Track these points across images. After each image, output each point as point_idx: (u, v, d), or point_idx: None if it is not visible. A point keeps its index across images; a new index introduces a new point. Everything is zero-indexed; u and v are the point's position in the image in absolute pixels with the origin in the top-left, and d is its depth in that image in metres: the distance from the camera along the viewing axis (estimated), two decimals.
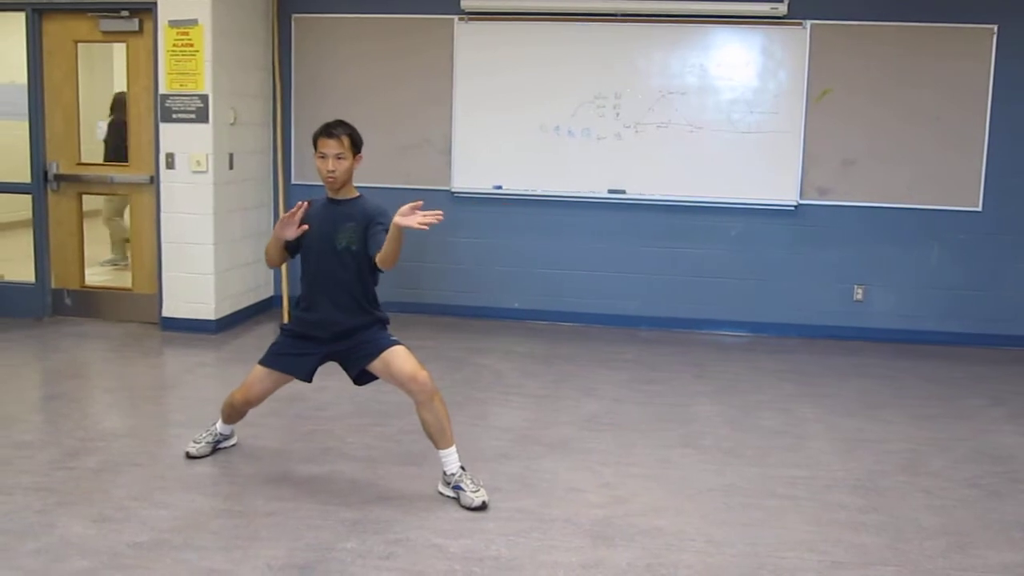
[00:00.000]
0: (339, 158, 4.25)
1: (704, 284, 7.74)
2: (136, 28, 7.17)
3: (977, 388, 6.38)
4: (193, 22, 6.92)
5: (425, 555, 3.71)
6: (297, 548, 3.74)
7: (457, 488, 4.21)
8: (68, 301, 7.60)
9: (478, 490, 4.20)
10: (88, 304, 7.60)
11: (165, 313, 7.29)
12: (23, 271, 7.70)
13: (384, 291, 8.03)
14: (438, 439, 4.27)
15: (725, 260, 7.70)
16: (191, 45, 6.96)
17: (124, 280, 7.77)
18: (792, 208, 7.53)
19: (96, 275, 8.05)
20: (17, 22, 7.36)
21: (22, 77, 7.43)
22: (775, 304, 7.69)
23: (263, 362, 4.51)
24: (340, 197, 4.36)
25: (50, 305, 7.60)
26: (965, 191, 7.36)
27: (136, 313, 7.49)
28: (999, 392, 6.29)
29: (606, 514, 4.17)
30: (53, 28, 7.33)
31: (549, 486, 4.48)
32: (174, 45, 6.99)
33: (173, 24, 6.95)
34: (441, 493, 4.29)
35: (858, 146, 7.43)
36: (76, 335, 7.14)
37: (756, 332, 7.71)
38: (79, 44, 7.40)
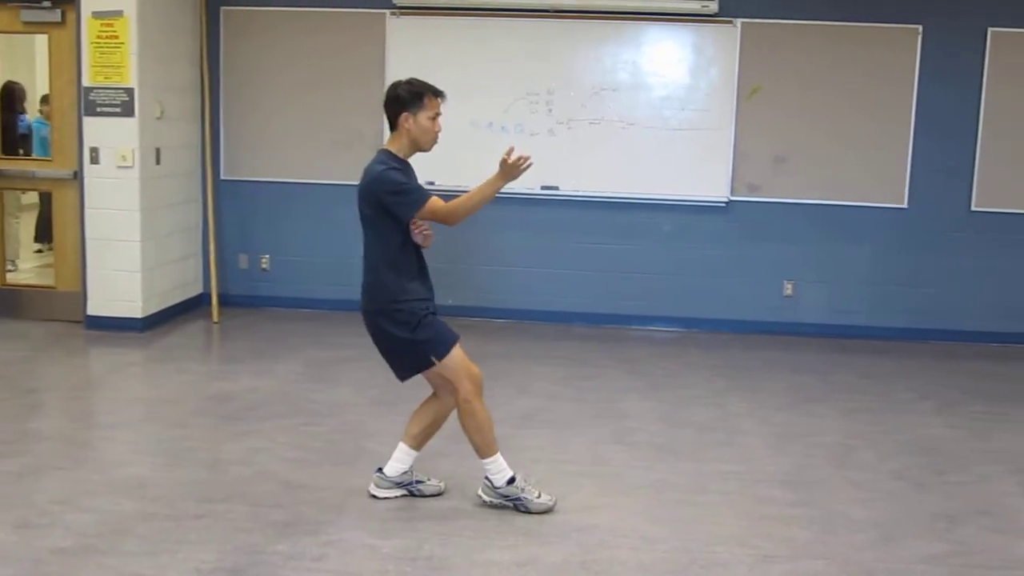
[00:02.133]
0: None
1: (637, 280, 7.78)
2: (59, 19, 7.00)
3: (905, 382, 6.49)
4: (118, 13, 6.78)
5: (358, 556, 3.68)
6: (227, 551, 3.68)
7: (418, 483, 4.29)
8: None
9: (430, 479, 4.33)
10: (9, 303, 7.41)
11: (90, 311, 7.13)
12: None
13: (315, 288, 7.95)
14: (422, 437, 4.30)
15: (657, 256, 7.74)
16: (116, 37, 6.81)
17: (47, 278, 7.59)
18: (723, 204, 7.60)
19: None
20: None
21: None
22: (707, 300, 7.75)
23: (454, 340, 4.13)
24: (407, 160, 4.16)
25: None
26: (892, 188, 7.49)
27: (60, 312, 7.31)
28: (926, 386, 6.40)
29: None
30: None
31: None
32: (98, 37, 6.83)
33: (97, 15, 6.79)
34: (378, 496, 4.24)
35: (788, 143, 7.52)
36: None
37: (688, 328, 7.76)
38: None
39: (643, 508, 4.26)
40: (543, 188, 7.66)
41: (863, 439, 5.28)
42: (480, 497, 4.16)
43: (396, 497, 4.23)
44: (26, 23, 7.06)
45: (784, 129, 7.51)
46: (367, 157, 7.56)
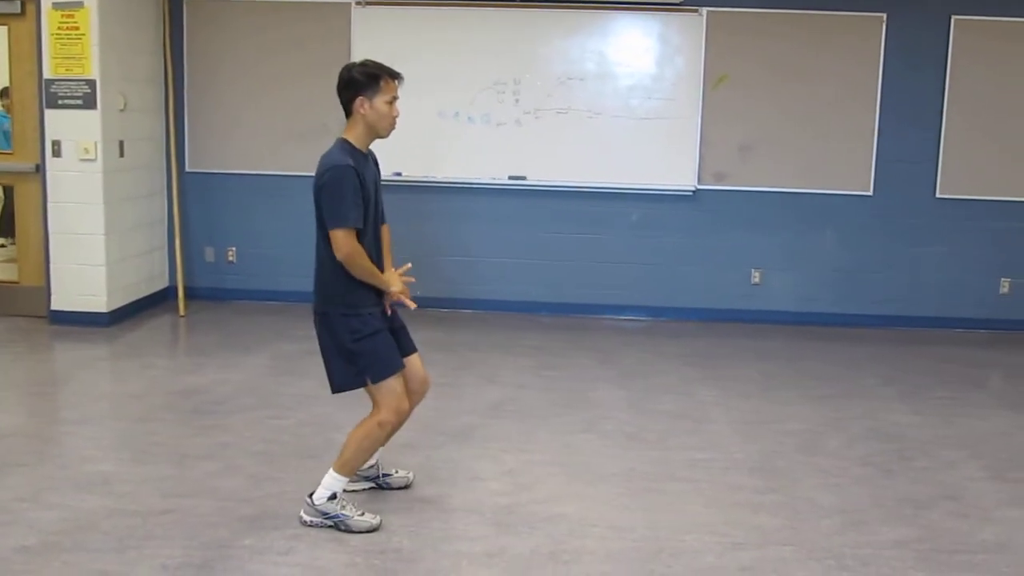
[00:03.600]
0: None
1: (604, 269, 7.78)
2: (18, 10, 6.90)
3: (871, 368, 6.54)
4: (79, 4, 6.69)
5: (326, 549, 3.66)
6: (193, 547, 3.65)
7: (385, 476, 4.26)
8: None
9: (399, 471, 4.32)
10: None
11: (54, 306, 7.05)
12: None
13: (282, 281, 7.90)
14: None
15: (625, 245, 7.75)
16: (77, 28, 6.73)
17: (10, 273, 7.50)
18: (690, 193, 7.61)
19: None
20: None
21: None
22: (675, 288, 7.77)
23: (397, 368, 3.84)
24: (366, 150, 3.93)
25: None
26: (857, 176, 7.53)
27: (23, 307, 7.22)
28: (892, 372, 6.45)
29: (509, 502, 4.16)
30: None
31: (451, 475, 4.45)
32: (59, 28, 6.74)
33: (57, 6, 6.70)
34: (345, 490, 4.04)
35: (754, 132, 7.54)
36: None
37: (656, 317, 7.78)
38: None
39: (612, 497, 4.26)
40: (510, 178, 7.64)
41: (830, 426, 5.31)
42: (301, 518, 3.85)
43: (363, 490, 4.19)
44: None
45: (750, 117, 7.53)
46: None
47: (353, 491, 4.16)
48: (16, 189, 7.24)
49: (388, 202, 7.99)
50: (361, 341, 3.77)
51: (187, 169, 7.88)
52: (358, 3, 7.54)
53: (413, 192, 7.74)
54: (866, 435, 5.18)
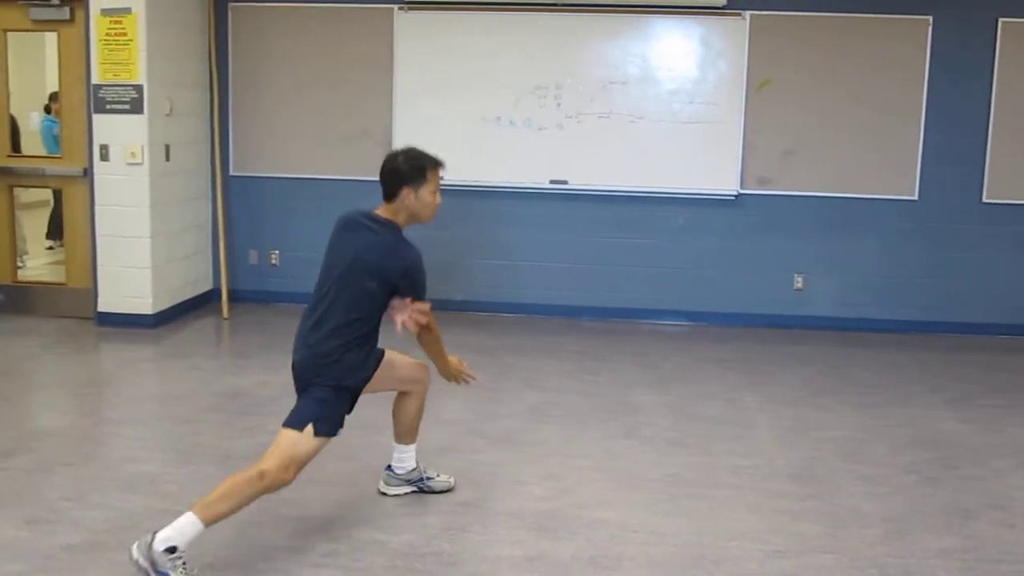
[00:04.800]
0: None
1: (646, 274, 7.76)
2: (67, 17, 7.00)
3: (917, 375, 6.46)
4: (127, 10, 6.78)
5: (367, 552, 3.68)
6: (237, 547, 3.69)
7: (427, 479, 4.25)
8: (0, 297, 7.42)
9: (440, 475, 4.31)
10: (21, 300, 7.43)
11: (101, 308, 7.14)
12: None
13: None
14: (413, 431, 4.21)
15: (667, 250, 7.72)
16: (124, 34, 6.82)
17: (58, 275, 7.62)
18: (733, 198, 7.57)
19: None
20: None
21: None
22: (717, 294, 7.73)
23: (332, 432, 3.76)
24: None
25: None
26: (902, 180, 7.45)
27: (71, 308, 7.33)
28: (938, 379, 6.37)
29: (550, 507, 4.16)
30: None
31: (492, 479, 4.46)
32: (107, 34, 6.84)
33: (106, 12, 6.80)
34: (388, 494, 4.23)
35: (797, 136, 7.49)
36: (8, 332, 6.97)
37: (698, 322, 7.74)
38: (8, 33, 7.22)
39: (653, 503, 4.25)
40: (552, 182, 7.64)
41: (874, 433, 5.26)
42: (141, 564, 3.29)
43: (405, 494, 4.22)
44: (35, 21, 7.07)
45: (794, 122, 7.48)
46: (374, 152, 7.68)
47: (396, 495, 4.19)
48: (65, 193, 7.36)
49: None
50: (332, 391, 3.73)
51: (231, 173, 7.96)
52: (400, 7, 7.58)
53: (455, 196, 7.72)
54: (910, 443, 5.12)
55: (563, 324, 7.62)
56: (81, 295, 7.28)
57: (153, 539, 3.27)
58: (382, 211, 3.86)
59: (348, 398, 3.79)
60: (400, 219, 3.86)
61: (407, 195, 3.81)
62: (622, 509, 4.16)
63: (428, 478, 4.26)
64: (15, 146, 7.67)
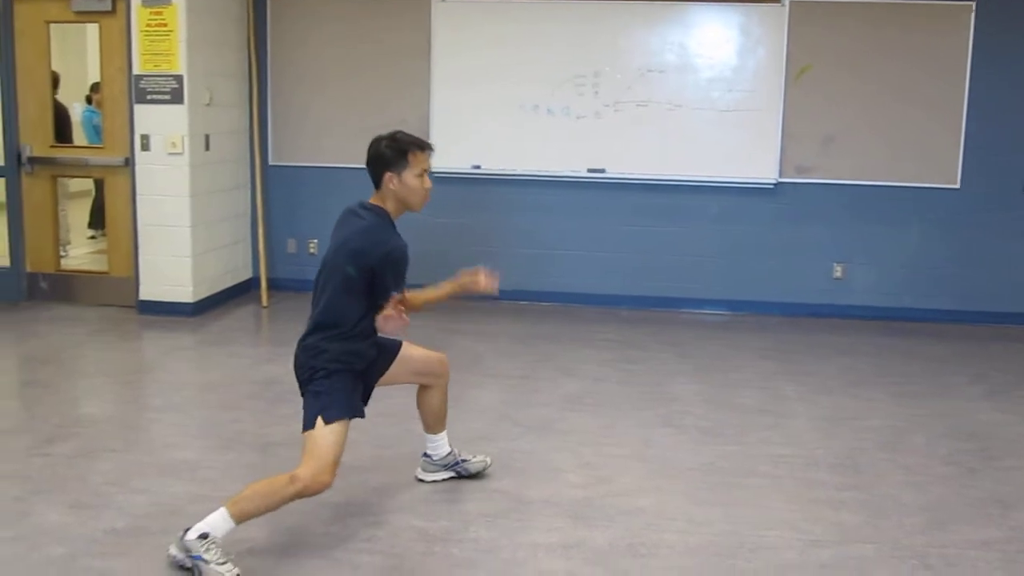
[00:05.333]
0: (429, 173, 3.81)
1: (684, 263, 7.73)
2: (109, 8, 7.07)
3: (958, 365, 6.40)
4: (167, 2, 6.84)
5: (405, 537, 3.70)
6: (278, 532, 3.72)
7: (462, 462, 4.25)
8: (44, 285, 7.52)
9: (476, 456, 4.31)
10: (64, 288, 7.53)
11: (142, 296, 7.23)
12: None
13: None
14: (442, 421, 4.20)
15: (705, 239, 7.69)
16: (165, 25, 6.88)
17: (100, 264, 7.71)
18: (772, 186, 7.52)
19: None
20: None
21: None
22: (755, 283, 7.69)
23: (350, 415, 3.69)
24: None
25: (25, 289, 7.51)
26: (944, 168, 7.36)
27: (113, 297, 7.42)
28: (979, 369, 6.31)
29: (586, 494, 4.16)
30: (24, 8, 7.22)
31: (528, 467, 4.47)
32: (148, 25, 6.90)
33: (147, 3, 6.86)
34: (425, 480, 4.25)
35: (837, 124, 7.42)
36: (52, 319, 7.07)
37: (736, 311, 7.71)
38: (51, 25, 7.30)
39: (690, 491, 4.24)
40: (590, 171, 7.63)
41: (914, 423, 5.22)
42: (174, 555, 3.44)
43: (443, 480, 4.24)
44: (77, 12, 7.14)
45: (833, 109, 7.41)
46: None
47: (433, 480, 4.23)
48: (107, 182, 7.45)
49: (466, 194, 8.12)
50: (329, 379, 3.65)
51: (270, 162, 8.01)
52: None
53: (492, 184, 7.77)
54: (950, 433, 5.07)
55: (600, 313, 7.62)
56: (123, 284, 7.36)
57: (185, 534, 3.37)
58: (373, 199, 3.79)
59: (349, 380, 3.70)
60: (389, 206, 3.75)
61: (390, 180, 3.70)
62: (659, 497, 4.16)
63: (464, 460, 4.26)
64: (67, 136, 7.77)
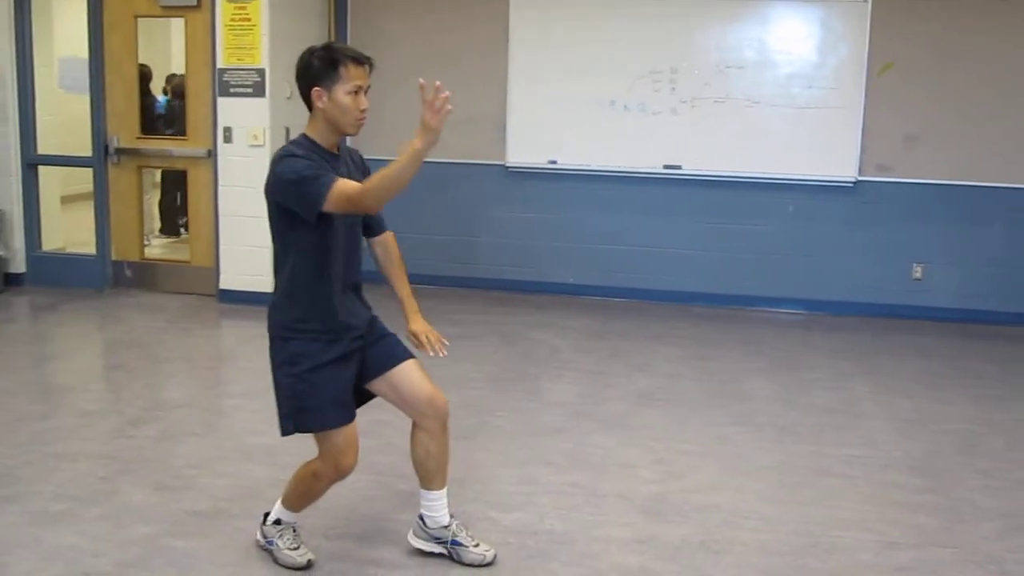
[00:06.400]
0: (367, 93, 3.21)
1: (760, 261, 7.67)
2: (195, 3, 7.23)
3: None
4: None
5: (479, 528, 3.73)
6: (353, 519, 3.79)
7: (455, 544, 3.47)
8: (128, 273, 7.71)
9: (479, 544, 3.50)
10: (147, 276, 7.72)
11: (222, 285, 7.37)
12: (85, 243, 7.85)
13: (437, 265, 7.93)
14: (437, 476, 3.45)
15: (781, 237, 7.62)
16: (248, 20, 7.01)
17: (179, 253, 7.88)
18: (851, 185, 7.43)
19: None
20: None
21: (84, 51, 7.54)
22: (831, 282, 7.60)
23: (334, 423, 3.25)
24: (336, 149, 3.30)
25: (111, 277, 7.72)
26: None
27: (194, 285, 7.58)
28: None
29: (659, 490, 4.17)
30: (114, 2, 7.40)
31: (602, 461, 4.48)
32: (232, 20, 7.04)
33: None
34: (419, 549, 3.52)
35: (919, 122, 7.30)
36: (136, 307, 7.25)
37: (811, 310, 7.63)
38: (139, 19, 7.48)
39: (764, 489, 4.22)
40: (665, 167, 7.61)
41: (993, 427, 5.13)
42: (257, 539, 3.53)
43: (434, 553, 3.53)
44: (164, 7, 7.32)
45: (916, 107, 7.29)
46: (488, 136, 7.75)
47: (420, 549, 3.53)
48: (190, 173, 7.61)
49: (542, 189, 8.11)
50: (297, 380, 3.21)
51: None
52: None
53: (568, 180, 7.78)
54: None
55: (674, 310, 7.59)
56: (204, 273, 7.51)
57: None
58: (306, 127, 3.27)
59: (326, 358, 3.21)
60: (317, 130, 3.21)
61: (318, 97, 3.15)
62: (732, 495, 4.15)
63: (459, 544, 3.47)
64: (157, 128, 7.96)
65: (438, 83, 2.89)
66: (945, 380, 5.97)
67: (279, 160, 3.13)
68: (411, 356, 3.42)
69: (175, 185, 9.40)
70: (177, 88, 8.70)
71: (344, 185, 3.03)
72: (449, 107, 2.92)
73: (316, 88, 3.15)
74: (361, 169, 3.42)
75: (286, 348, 3.24)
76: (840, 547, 3.68)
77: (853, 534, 3.80)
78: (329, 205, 3.02)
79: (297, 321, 3.23)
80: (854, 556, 3.62)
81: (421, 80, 2.89)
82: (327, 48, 3.20)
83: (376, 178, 3.04)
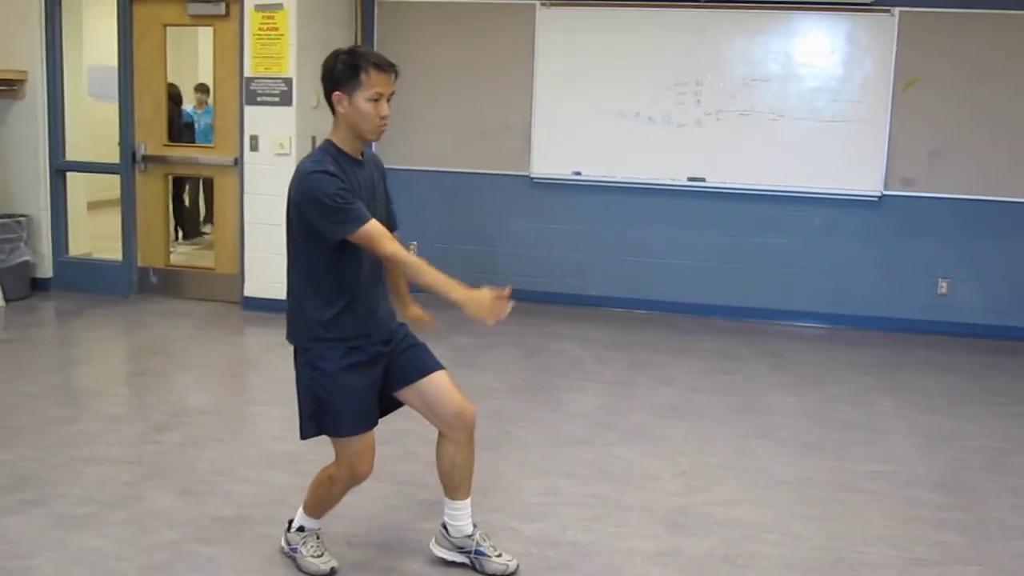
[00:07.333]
0: (390, 101, 3.18)
1: (783, 274, 7.65)
2: (223, 12, 7.28)
3: None
4: (279, 6, 7.01)
5: (501, 538, 3.72)
6: (375, 527, 3.80)
7: (478, 554, 3.48)
8: (154, 279, 7.77)
9: (501, 554, 3.51)
10: (173, 283, 7.76)
11: (247, 293, 7.41)
12: (111, 249, 7.91)
13: (460, 276, 7.92)
14: (462, 486, 3.46)
15: (805, 251, 7.60)
16: (276, 29, 7.06)
17: (208, 260, 7.93)
18: (876, 199, 7.40)
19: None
20: (109, 5, 7.54)
21: (113, 60, 7.61)
22: (856, 296, 7.57)
23: (356, 430, 3.28)
24: (360, 155, 3.27)
25: (136, 283, 7.77)
26: None
27: (219, 292, 7.63)
28: None
29: (683, 503, 4.16)
30: (143, 11, 7.47)
31: (625, 473, 4.48)
32: (259, 29, 7.09)
33: (259, 8, 7.05)
34: (441, 558, 3.53)
35: (945, 137, 7.27)
36: (161, 313, 7.30)
37: (835, 324, 7.60)
38: (167, 28, 7.55)
39: (788, 504, 4.21)
40: (689, 179, 7.60)
41: (1018, 444, 5.09)
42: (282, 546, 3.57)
43: (456, 562, 3.54)
44: (193, 16, 7.38)
45: (942, 122, 7.26)
46: (514, 146, 7.77)
47: (442, 558, 3.54)
48: (216, 181, 7.66)
49: (568, 200, 8.13)
50: (322, 384, 3.23)
51: None
52: (543, 4, 7.64)
53: (592, 191, 7.79)
54: None
55: (697, 322, 7.57)
56: (228, 280, 7.56)
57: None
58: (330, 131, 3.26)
59: (339, 372, 3.22)
60: (340, 136, 3.20)
61: (339, 101, 3.14)
62: (755, 509, 4.13)
63: (483, 554, 3.49)
64: (188, 136, 8.03)
65: (508, 290, 3.05)
66: (970, 396, 5.94)
67: (309, 174, 3.10)
68: (440, 367, 3.40)
69: (183, 189, 9.52)
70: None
71: (374, 230, 3.06)
72: (505, 315, 3.07)
73: (336, 92, 3.15)
74: (379, 172, 3.45)
75: (307, 353, 3.27)
76: (864, 563, 3.66)
77: (877, 550, 3.78)
78: (353, 239, 3.07)
79: (317, 327, 3.24)
80: (878, 572, 3.60)
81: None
82: (352, 52, 3.17)
83: (406, 254, 3.13)
